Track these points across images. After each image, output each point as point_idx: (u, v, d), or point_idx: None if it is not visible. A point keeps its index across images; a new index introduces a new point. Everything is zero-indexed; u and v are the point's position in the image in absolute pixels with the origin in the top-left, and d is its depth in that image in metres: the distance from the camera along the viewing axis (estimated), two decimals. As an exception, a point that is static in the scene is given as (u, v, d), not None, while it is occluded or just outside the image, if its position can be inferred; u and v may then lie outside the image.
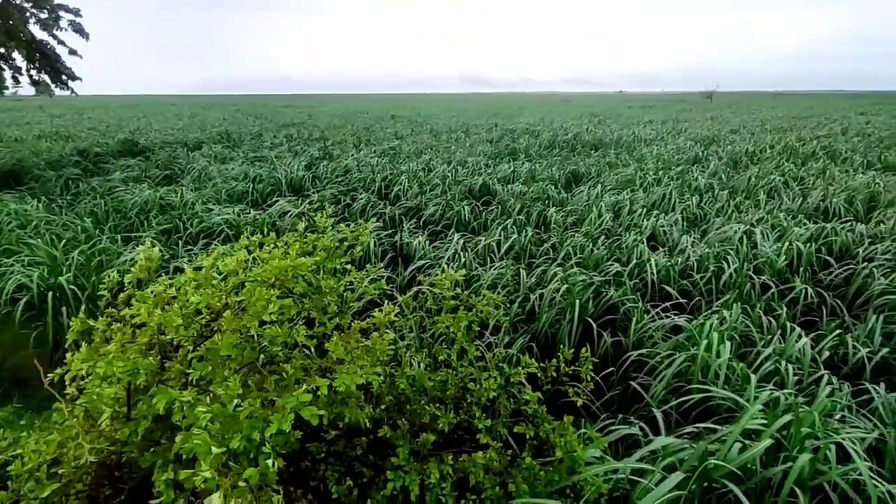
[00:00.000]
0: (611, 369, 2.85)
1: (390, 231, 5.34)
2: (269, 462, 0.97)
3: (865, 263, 4.03)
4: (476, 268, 4.10)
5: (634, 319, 3.07)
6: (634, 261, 4.11)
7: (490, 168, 8.75)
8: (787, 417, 1.70)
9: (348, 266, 2.01)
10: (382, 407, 1.77)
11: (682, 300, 3.61)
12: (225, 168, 8.60)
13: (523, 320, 3.47)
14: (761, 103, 40.44)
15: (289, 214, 5.73)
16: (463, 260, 4.13)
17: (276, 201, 6.29)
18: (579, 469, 1.47)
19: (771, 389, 2.26)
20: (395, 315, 2.59)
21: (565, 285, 3.31)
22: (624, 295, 3.40)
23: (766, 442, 1.58)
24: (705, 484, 1.56)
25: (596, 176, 8.23)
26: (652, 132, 15.00)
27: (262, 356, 1.37)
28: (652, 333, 3.04)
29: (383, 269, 4.24)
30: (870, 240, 4.48)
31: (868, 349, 2.88)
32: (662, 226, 5.10)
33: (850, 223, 4.97)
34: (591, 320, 3.21)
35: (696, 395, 2.30)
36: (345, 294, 1.91)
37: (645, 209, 5.69)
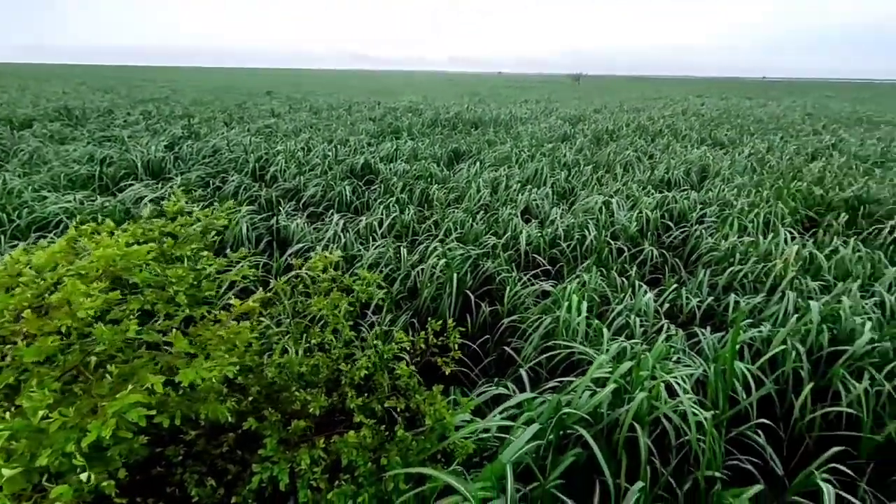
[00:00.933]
0: (486, 336, 3.00)
1: (267, 214, 5.04)
2: (84, 476, 0.87)
3: (697, 226, 4.68)
4: (358, 248, 4.05)
5: (508, 288, 3.25)
6: (509, 233, 4.34)
7: (373, 147, 8.61)
8: (629, 364, 1.93)
9: (205, 253, 1.85)
10: (250, 398, 1.68)
11: (549, 268, 3.90)
12: (65, 149, 7.43)
13: (406, 297, 3.51)
14: (622, 86, 44.54)
15: (146, 200, 5.13)
16: (343, 241, 4.04)
17: (131, 185, 5.59)
18: (449, 434, 1.53)
19: (622, 341, 2.54)
20: (270, 301, 2.46)
21: (443, 260, 3.40)
22: (499, 266, 3.58)
23: (611, 387, 1.79)
24: (562, 432, 1.72)
25: (476, 153, 8.50)
26: (527, 112, 15.81)
27: (93, 358, 1.21)
28: (524, 300, 3.25)
29: (259, 255, 4.01)
30: (701, 205, 5.20)
31: (698, 299, 3.36)
32: (535, 199, 5.43)
33: (686, 192, 5.71)
34: (469, 293, 3.34)
35: (560, 352, 2.51)
36: (201, 283, 1.76)
37: (520, 184, 6.01)
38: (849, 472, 2.00)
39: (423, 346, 1.72)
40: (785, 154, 8.12)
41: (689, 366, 2.49)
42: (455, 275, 3.19)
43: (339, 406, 1.73)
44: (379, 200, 5.44)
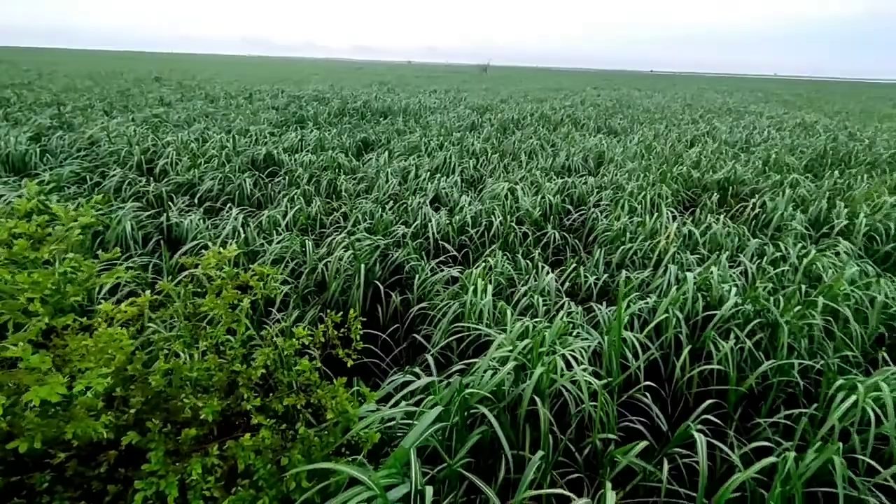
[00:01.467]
0: (396, 326, 3.00)
1: (156, 211, 4.62)
2: None
3: (594, 209, 5.00)
4: (261, 243, 3.84)
5: (417, 277, 3.27)
6: (419, 222, 4.36)
7: (276, 137, 8.21)
8: (527, 342, 2.03)
9: (70, 255, 1.66)
10: (133, 410, 1.54)
11: (457, 254, 3.97)
12: None
13: (315, 292, 3.41)
14: (527, 77, 46.23)
15: (6, 200, 4.49)
16: (244, 236, 3.82)
17: (-16, 184, 4.86)
18: (353, 426, 1.51)
19: (526, 320, 2.65)
20: (161, 304, 2.26)
21: (350, 251, 3.33)
22: (408, 255, 3.59)
23: (511, 365, 1.87)
24: (468, 412, 1.77)
25: (385, 143, 8.41)
26: (436, 101, 15.90)
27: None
28: (434, 287, 3.28)
29: (148, 256, 3.67)
30: (597, 189, 5.55)
31: (595, 276, 3.60)
32: (444, 188, 5.49)
33: (585, 177, 6.08)
34: (378, 283, 3.31)
35: (467, 335, 2.57)
36: (65, 289, 1.57)
37: (429, 173, 6.04)
38: (719, 422, 2.26)
39: (322, 339, 1.68)
40: (668, 141, 8.91)
41: (586, 339, 2.66)
42: (363, 266, 3.14)
43: (238, 409, 1.64)
44: (283, 193, 5.21)
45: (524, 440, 1.97)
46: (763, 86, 48.09)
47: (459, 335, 2.61)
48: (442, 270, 3.46)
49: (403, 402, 1.70)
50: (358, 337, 1.67)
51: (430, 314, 2.96)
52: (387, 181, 5.54)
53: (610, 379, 2.32)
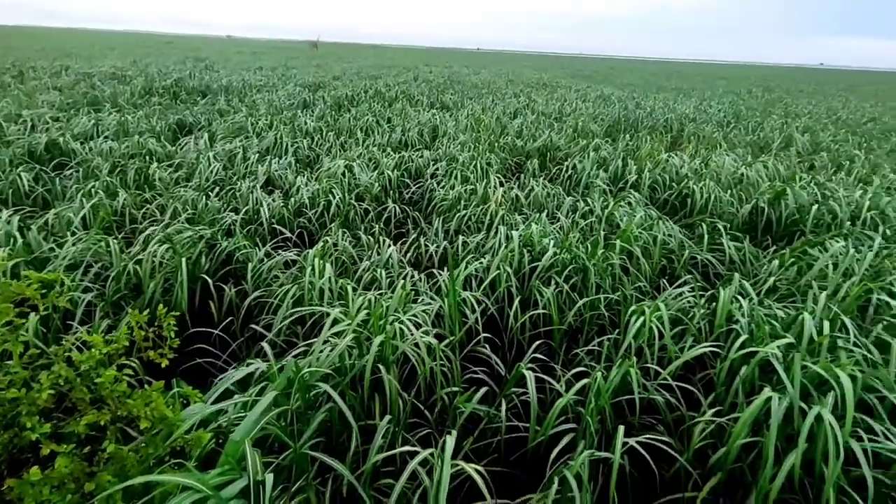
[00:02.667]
0: (231, 319, 2.78)
1: None
2: None
3: (431, 180, 5.17)
4: (52, 247, 3.21)
5: (251, 265, 3.05)
6: (250, 207, 4.05)
7: (61, 122, 6.85)
8: (364, 314, 2.04)
9: None
10: None
11: (293, 237, 3.81)
12: None
13: (130, 296, 2.97)
14: (360, 54, 45.37)
15: None
16: (23, 240, 3.15)
17: None
18: (175, 431, 1.37)
19: (369, 294, 2.66)
20: None
21: (165, 245, 2.97)
22: (237, 243, 3.32)
23: (349, 337, 1.86)
24: (311, 393, 1.73)
25: (206, 125, 7.60)
26: (262, 79, 14.79)
27: None
28: (271, 273, 3.10)
29: None
30: (433, 162, 5.74)
31: (435, 245, 3.75)
32: (277, 170, 5.17)
33: (421, 150, 6.23)
34: (207, 277, 3.01)
35: (311, 317, 2.49)
36: None
37: (258, 155, 5.63)
38: (546, 359, 2.55)
39: (125, 343, 1.47)
40: (494, 114, 9.56)
41: (429, 304, 2.77)
42: (184, 260, 2.82)
43: (23, 443, 1.37)
44: (77, 187, 4.39)
45: (375, 409, 2.00)
46: (570, 63, 54.15)
47: (301, 319, 2.52)
48: (279, 255, 3.28)
49: (236, 396, 1.59)
50: (172, 334, 1.50)
51: (270, 301, 2.80)
52: (209, 166, 5.01)
53: (452, 337, 2.46)
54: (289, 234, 3.75)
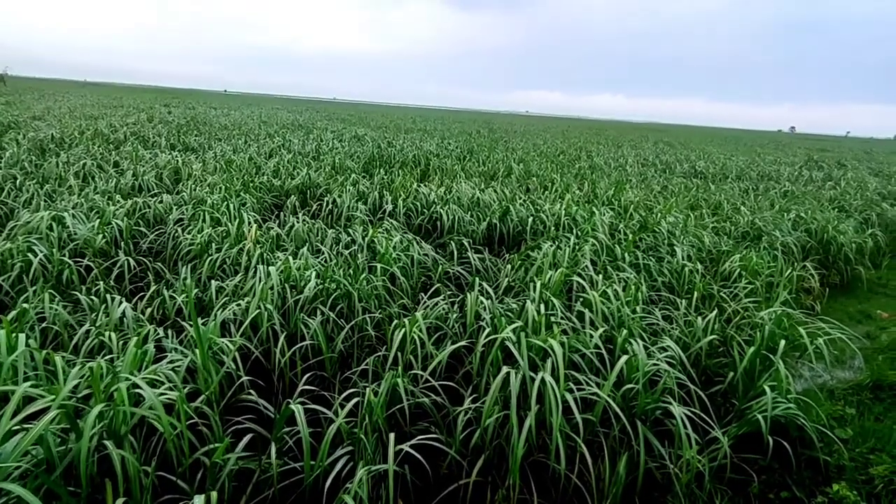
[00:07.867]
0: None
1: None
2: None
3: (175, 226, 4.60)
4: None
5: None
6: None
7: None
8: (73, 385, 1.66)
9: None
10: None
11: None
12: None
13: None
14: (69, 91, 38.02)
15: None
16: None
17: None
18: None
19: (96, 362, 2.17)
20: None
21: None
22: None
23: (49, 416, 1.48)
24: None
25: None
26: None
27: None
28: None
29: None
30: (176, 206, 5.13)
31: (184, 294, 3.31)
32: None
33: (160, 195, 5.50)
34: None
35: None
36: None
37: None
38: (316, 388, 2.49)
39: None
40: (248, 154, 9.11)
41: (179, 359, 2.42)
42: None
43: None
44: None
45: (107, 498, 1.62)
46: (326, 107, 55.66)
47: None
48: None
49: None
50: None
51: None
52: None
53: (208, 390, 2.19)
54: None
